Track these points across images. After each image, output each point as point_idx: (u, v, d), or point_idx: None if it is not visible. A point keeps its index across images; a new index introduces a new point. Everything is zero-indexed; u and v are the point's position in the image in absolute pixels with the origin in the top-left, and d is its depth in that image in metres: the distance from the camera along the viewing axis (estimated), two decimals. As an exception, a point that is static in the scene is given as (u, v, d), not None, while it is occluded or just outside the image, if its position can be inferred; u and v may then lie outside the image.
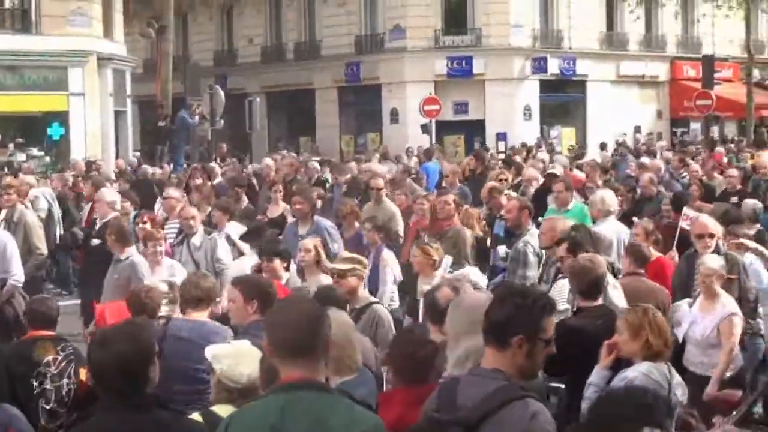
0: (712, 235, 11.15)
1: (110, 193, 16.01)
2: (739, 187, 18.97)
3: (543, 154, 28.11)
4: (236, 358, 6.55)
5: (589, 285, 8.45)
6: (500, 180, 18.33)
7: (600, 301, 8.54)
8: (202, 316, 8.58)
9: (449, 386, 5.30)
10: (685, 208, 14.52)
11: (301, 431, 4.68)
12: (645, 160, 24.52)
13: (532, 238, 12.36)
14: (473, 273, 9.94)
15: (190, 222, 13.99)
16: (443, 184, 20.47)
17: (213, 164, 26.65)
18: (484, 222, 15.53)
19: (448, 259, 11.81)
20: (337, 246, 13.91)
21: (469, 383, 5.18)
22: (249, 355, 6.59)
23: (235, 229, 14.95)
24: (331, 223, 14.97)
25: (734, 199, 17.41)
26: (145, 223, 14.21)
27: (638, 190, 18.21)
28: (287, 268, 11.44)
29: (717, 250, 10.96)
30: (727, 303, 9.98)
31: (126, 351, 5.16)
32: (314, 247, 11.57)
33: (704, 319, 9.98)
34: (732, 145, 34.57)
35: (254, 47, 54.36)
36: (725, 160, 28.14)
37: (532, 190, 17.64)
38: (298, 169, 22.93)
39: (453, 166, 21.36)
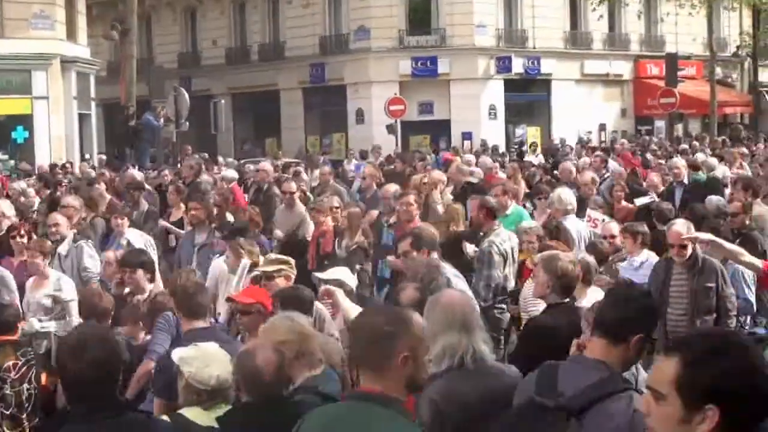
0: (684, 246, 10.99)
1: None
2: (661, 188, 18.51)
3: (469, 156, 27.56)
4: (204, 360, 6.53)
5: (564, 285, 8.50)
6: (423, 184, 17.12)
7: (568, 300, 8.58)
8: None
9: (549, 371, 5.32)
10: (588, 210, 14.65)
11: None
12: (585, 160, 24.37)
13: (497, 238, 12.38)
14: (345, 275, 10.02)
15: (53, 229, 13.43)
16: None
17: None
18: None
19: (246, 262, 11.58)
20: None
21: (570, 370, 5.25)
22: (217, 357, 6.58)
23: (134, 234, 14.40)
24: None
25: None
26: (22, 236, 13.14)
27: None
28: (151, 279, 10.63)
29: (694, 256, 10.79)
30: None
31: (101, 357, 5.13)
32: None
33: None
34: (696, 143, 34.67)
35: (218, 49, 54.29)
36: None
37: (437, 194, 16.23)
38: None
39: (370, 168, 20.33)
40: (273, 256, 10.87)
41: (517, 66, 48.67)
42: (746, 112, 55.00)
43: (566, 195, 14.40)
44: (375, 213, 15.95)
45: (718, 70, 51.23)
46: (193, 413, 6.29)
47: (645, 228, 12.49)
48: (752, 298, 11.39)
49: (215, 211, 15.18)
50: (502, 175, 21.18)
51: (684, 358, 3.47)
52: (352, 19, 48.63)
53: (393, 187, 15.57)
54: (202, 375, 6.48)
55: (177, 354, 6.74)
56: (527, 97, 51.22)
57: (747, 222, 13.29)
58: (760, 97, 51.64)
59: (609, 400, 4.97)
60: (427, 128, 47.10)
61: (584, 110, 50.23)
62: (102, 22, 46.20)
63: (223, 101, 40.18)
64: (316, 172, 21.19)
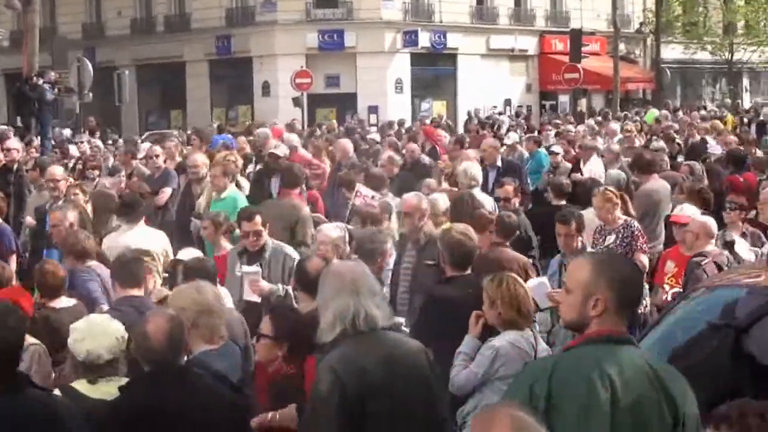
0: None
1: None
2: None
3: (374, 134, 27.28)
4: (83, 333, 6.49)
5: (461, 257, 8.63)
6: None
7: (469, 271, 8.72)
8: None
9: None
10: (358, 185, 14.77)
11: (637, 386, 4.78)
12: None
13: None
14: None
15: None
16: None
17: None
18: None
19: None
20: None
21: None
22: (98, 332, 6.50)
23: None
24: None
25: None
26: None
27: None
28: None
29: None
30: None
31: (3, 336, 5.12)
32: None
33: None
34: (599, 117, 35.05)
35: (123, 20, 53.62)
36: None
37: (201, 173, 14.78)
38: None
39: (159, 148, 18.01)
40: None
41: (424, 40, 48.77)
42: (649, 88, 55.67)
43: (472, 169, 14.59)
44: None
45: (622, 47, 51.82)
46: (82, 386, 6.30)
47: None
48: None
49: None
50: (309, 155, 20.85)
51: None
52: (259, -9, 48.44)
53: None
54: (75, 348, 6.47)
55: (72, 325, 6.74)
56: (433, 72, 51.42)
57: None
58: (662, 74, 52.27)
59: None
60: (334, 101, 47.08)
61: (490, 85, 50.51)
62: (4, -9, 45.45)
63: (127, 72, 39.80)
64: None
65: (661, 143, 21.21)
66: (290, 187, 13.49)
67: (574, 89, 45.64)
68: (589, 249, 11.02)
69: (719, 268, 10.16)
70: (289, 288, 9.54)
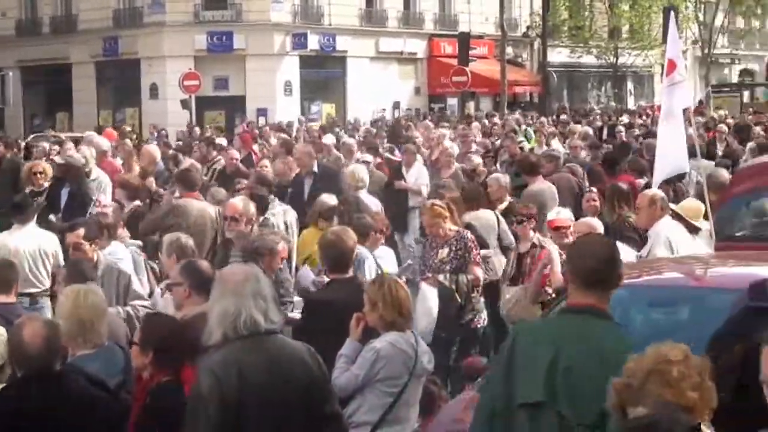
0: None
1: None
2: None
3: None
4: None
5: (336, 258, 8.66)
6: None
7: (350, 274, 8.75)
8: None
9: (759, 284, 6.64)
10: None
11: (577, 349, 5.48)
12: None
13: (269, 212, 12.76)
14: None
15: None
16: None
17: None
18: None
19: None
20: None
21: None
22: None
23: None
24: None
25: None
26: None
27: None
28: None
29: None
30: None
31: None
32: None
33: None
34: (486, 121, 35.31)
35: (8, 20, 52.82)
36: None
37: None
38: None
39: None
40: None
41: (313, 42, 48.83)
42: (535, 91, 56.31)
43: (359, 171, 14.71)
44: None
45: (509, 50, 52.32)
46: None
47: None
48: None
49: None
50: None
51: None
52: (146, -8, 48.04)
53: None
54: None
55: None
56: (323, 74, 51.46)
57: None
58: (549, 77, 52.97)
59: None
60: (223, 104, 46.90)
61: (379, 88, 50.70)
62: None
63: (11, 74, 39.22)
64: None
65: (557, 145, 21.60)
66: (189, 190, 13.39)
67: (462, 92, 46.00)
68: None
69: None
70: (129, 308, 9.35)
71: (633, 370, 4.36)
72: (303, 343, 6.41)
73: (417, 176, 17.74)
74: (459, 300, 10.92)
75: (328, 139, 24.08)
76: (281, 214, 12.91)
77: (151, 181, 16.09)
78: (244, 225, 10.84)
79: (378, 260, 11.10)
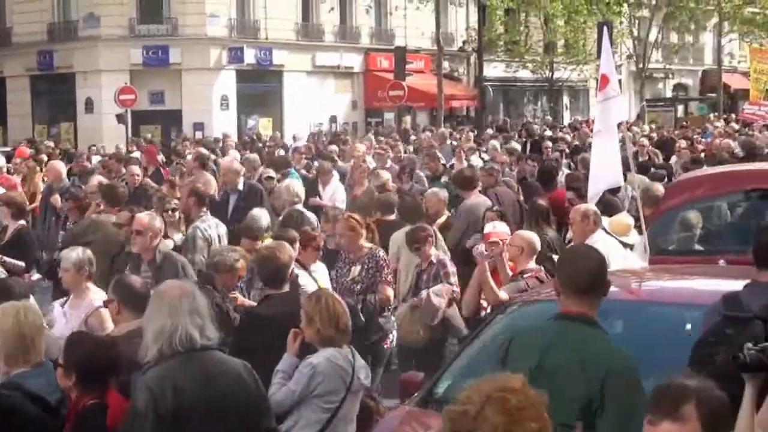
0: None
1: None
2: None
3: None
4: None
5: (272, 273, 8.64)
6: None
7: (286, 289, 8.74)
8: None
9: (731, 297, 6.70)
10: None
11: (560, 354, 5.81)
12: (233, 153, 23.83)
13: (202, 224, 12.72)
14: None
15: None
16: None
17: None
18: None
19: None
20: None
21: (750, 292, 6.70)
22: None
23: None
24: None
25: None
26: None
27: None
28: None
29: None
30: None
31: None
32: None
33: None
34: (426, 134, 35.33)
35: (-60, 34, 52.32)
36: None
37: None
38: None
39: None
40: None
41: (249, 57, 48.76)
42: (472, 105, 56.54)
43: (294, 186, 14.71)
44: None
45: (446, 64, 52.52)
46: None
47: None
48: None
49: None
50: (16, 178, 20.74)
51: None
52: (81, 5, 47.70)
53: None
54: None
55: None
56: (259, 88, 51.30)
57: None
58: (485, 91, 53.25)
59: None
60: (159, 118, 46.62)
61: (316, 102, 50.74)
62: None
63: (-56, 88, 38.85)
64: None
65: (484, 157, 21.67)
66: (114, 205, 13.30)
67: (398, 106, 46.11)
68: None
69: (540, 282, 10.42)
70: None
71: (469, 397, 4.17)
72: (239, 359, 6.41)
73: (333, 193, 17.60)
74: (362, 319, 10.84)
75: (232, 155, 23.74)
76: (214, 227, 12.88)
77: (57, 198, 15.95)
78: (149, 239, 10.68)
79: (313, 275, 11.10)
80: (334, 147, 25.80)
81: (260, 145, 33.25)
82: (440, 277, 11.69)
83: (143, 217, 11.12)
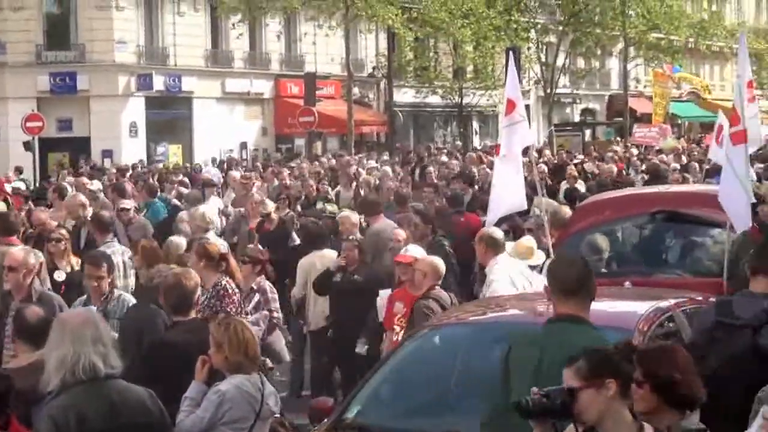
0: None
1: None
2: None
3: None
4: None
5: (179, 300, 8.60)
6: None
7: (192, 315, 8.69)
8: None
9: (724, 304, 7.53)
10: None
11: (556, 353, 6.21)
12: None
13: (108, 250, 12.53)
14: None
15: None
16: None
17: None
18: None
19: None
20: None
21: (742, 302, 7.41)
22: None
23: None
24: None
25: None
26: None
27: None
28: None
29: None
30: None
31: None
32: None
33: None
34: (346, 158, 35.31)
35: None
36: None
37: None
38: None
39: None
40: None
41: (158, 83, 48.42)
42: (382, 131, 56.78)
43: (209, 211, 14.74)
44: None
45: (356, 90, 52.65)
46: None
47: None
48: None
49: None
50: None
51: None
52: (-14, 32, 47.15)
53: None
54: None
55: None
56: (169, 115, 51.00)
57: None
58: (395, 117, 53.48)
59: None
60: (67, 145, 46.12)
61: (226, 128, 50.54)
62: None
63: None
64: None
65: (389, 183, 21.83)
66: (7, 234, 13.05)
67: (309, 132, 46.12)
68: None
69: (443, 307, 10.50)
70: None
71: None
72: (146, 386, 6.37)
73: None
74: None
75: (95, 185, 23.36)
76: (120, 253, 12.80)
77: None
78: (23, 276, 10.18)
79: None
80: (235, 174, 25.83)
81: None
82: (261, 305, 11.77)
83: (17, 252, 10.69)
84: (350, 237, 13.74)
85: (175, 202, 20.71)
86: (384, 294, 12.04)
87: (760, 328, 7.12)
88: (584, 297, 6.71)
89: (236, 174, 24.59)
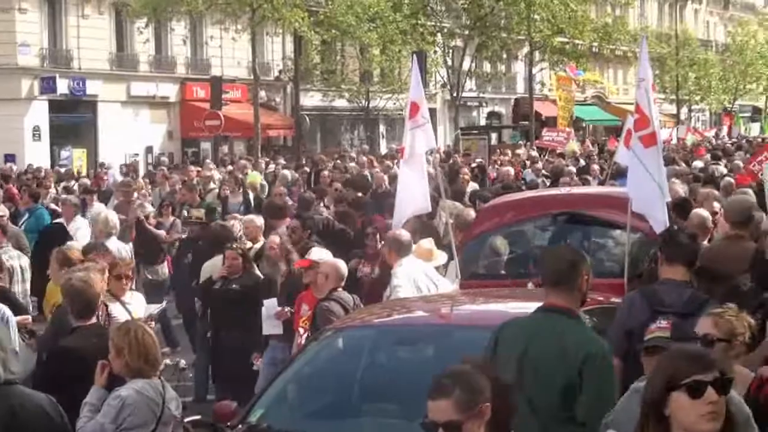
0: None
1: None
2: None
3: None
4: None
5: (84, 305, 8.52)
6: None
7: (94, 320, 8.62)
8: None
9: (651, 293, 8.03)
10: None
11: (543, 343, 6.63)
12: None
13: (4, 255, 12.54)
14: None
15: None
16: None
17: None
18: None
19: None
20: None
21: (667, 290, 7.93)
22: None
23: None
24: None
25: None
26: None
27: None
28: None
29: None
30: None
31: None
32: None
33: None
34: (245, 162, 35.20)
35: None
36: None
37: None
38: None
39: None
40: None
41: (62, 87, 47.85)
42: (289, 134, 56.70)
43: (111, 217, 14.65)
44: None
45: (262, 94, 52.51)
46: None
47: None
48: None
49: None
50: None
51: None
52: None
53: None
54: None
55: None
56: (73, 119, 50.44)
57: None
58: (302, 120, 53.45)
59: (707, 304, 7.42)
60: (-32, 149, 45.49)
61: (131, 132, 50.13)
62: None
63: None
64: None
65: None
66: None
67: (215, 136, 45.88)
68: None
69: (345, 309, 10.53)
70: None
71: None
72: (45, 393, 6.31)
73: (77, 229, 17.00)
74: None
75: None
76: (16, 257, 12.71)
77: None
78: None
79: (128, 306, 10.95)
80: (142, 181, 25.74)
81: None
82: None
83: None
84: (233, 246, 13.58)
85: (54, 206, 20.54)
86: (269, 304, 12.06)
87: (691, 315, 7.28)
88: (572, 288, 6.84)
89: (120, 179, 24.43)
